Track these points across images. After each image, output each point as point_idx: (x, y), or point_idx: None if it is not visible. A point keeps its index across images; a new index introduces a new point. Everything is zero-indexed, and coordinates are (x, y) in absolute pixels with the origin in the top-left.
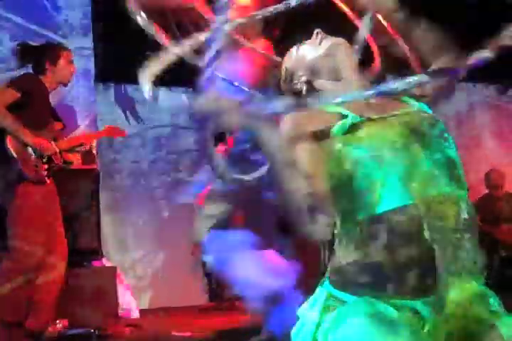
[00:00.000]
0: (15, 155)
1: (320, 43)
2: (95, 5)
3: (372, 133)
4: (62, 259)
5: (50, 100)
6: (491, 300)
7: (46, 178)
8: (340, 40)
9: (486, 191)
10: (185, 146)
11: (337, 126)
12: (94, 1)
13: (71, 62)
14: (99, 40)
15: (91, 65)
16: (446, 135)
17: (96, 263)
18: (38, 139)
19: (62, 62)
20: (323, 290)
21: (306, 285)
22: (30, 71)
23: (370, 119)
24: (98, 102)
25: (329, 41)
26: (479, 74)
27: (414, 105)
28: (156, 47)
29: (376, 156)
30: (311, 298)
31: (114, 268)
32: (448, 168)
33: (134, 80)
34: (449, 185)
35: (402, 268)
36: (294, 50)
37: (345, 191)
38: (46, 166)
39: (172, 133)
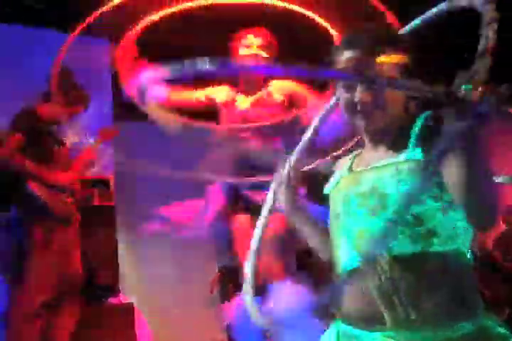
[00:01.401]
0: (43, 198)
1: None
2: None
3: (341, 189)
4: (76, 295)
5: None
6: None
7: (76, 212)
8: None
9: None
10: None
11: (330, 183)
12: None
13: (70, 115)
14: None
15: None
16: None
17: (113, 300)
18: (62, 176)
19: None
20: (335, 325)
21: None
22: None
23: (352, 172)
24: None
25: None
26: None
27: (410, 152)
28: None
29: (336, 213)
30: (325, 334)
31: (131, 305)
32: (411, 226)
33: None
34: (408, 244)
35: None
36: None
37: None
38: (72, 200)
39: None
